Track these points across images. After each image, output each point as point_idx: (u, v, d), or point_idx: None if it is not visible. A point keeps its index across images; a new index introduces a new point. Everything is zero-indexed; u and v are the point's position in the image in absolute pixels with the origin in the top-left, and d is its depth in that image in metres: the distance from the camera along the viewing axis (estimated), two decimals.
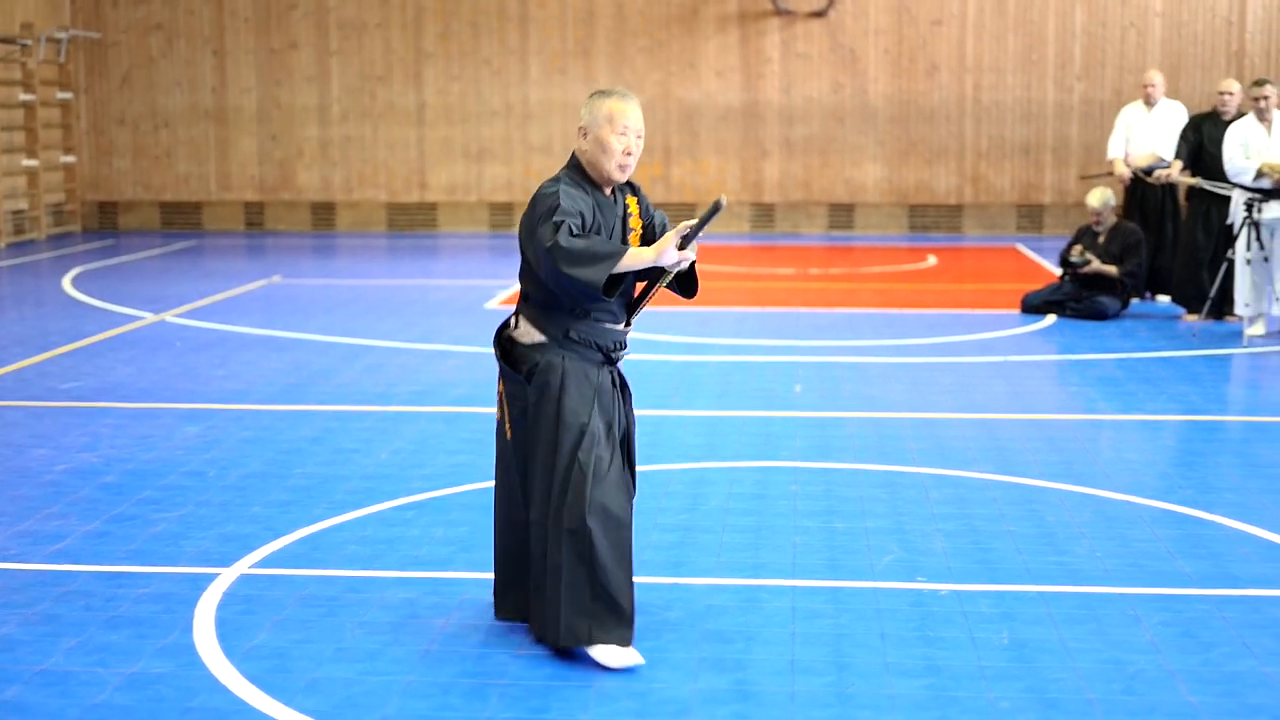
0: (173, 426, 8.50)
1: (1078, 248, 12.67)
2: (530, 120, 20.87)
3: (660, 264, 4.81)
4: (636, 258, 4.78)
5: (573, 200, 4.85)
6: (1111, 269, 12.48)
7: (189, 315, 12.84)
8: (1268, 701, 4.60)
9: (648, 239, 5.14)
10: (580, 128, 5.00)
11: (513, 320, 5.09)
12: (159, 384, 9.78)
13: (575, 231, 4.76)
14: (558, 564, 4.84)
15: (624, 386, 5.18)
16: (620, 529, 4.88)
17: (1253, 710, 4.53)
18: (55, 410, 8.97)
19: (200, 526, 6.49)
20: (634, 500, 5.10)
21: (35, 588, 5.67)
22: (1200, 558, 6.08)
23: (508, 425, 5.07)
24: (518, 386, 5.00)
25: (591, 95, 5.03)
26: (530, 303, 5.04)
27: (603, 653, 4.83)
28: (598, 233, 4.91)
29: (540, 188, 4.96)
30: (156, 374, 10.12)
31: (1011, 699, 4.61)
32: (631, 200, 5.12)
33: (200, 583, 5.72)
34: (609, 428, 4.97)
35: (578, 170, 5.00)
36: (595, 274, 4.70)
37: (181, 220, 21.48)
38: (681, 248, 4.81)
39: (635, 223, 5.09)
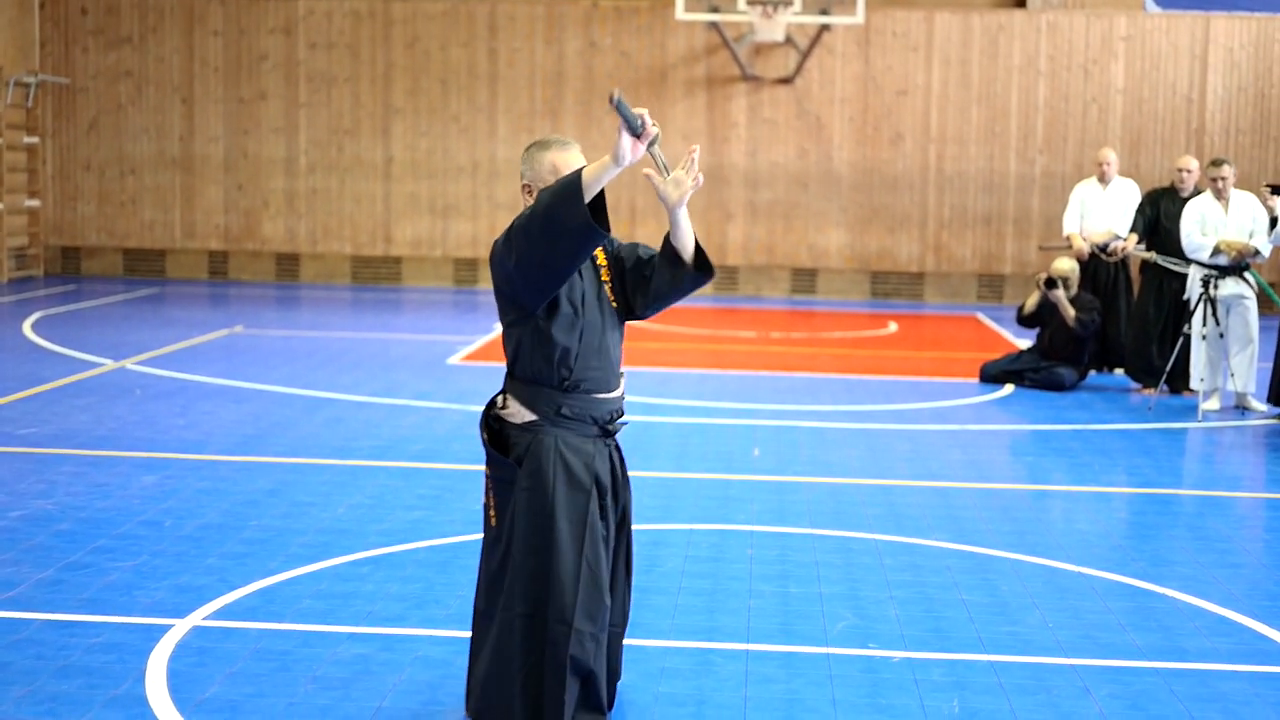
0: (129, 475, 8.47)
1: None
2: (497, 178, 20.95)
3: (622, 162, 4.31)
4: (598, 170, 4.32)
5: None
6: (1071, 310, 12.59)
7: (149, 363, 12.81)
8: None
9: (621, 276, 4.81)
10: (524, 185, 4.67)
11: (500, 399, 4.75)
12: (117, 432, 9.74)
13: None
14: (538, 666, 4.55)
15: (623, 464, 4.85)
16: (602, 631, 4.61)
17: None
18: (11, 456, 8.93)
19: (154, 577, 6.47)
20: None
21: None
22: (1151, 630, 6.13)
23: (492, 512, 4.70)
24: (506, 471, 4.64)
25: (529, 148, 4.71)
26: (517, 379, 4.70)
27: None
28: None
29: (495, 244, 4.66)
30: (115, 421, 10.09)
31: None
32: (599, 250, 4.78)
33: (153, 633, 5.70)
34: (605, 520, 4.70)
35: None
36: (572, 210, 4.31)
37: (145, 267, 21.44)
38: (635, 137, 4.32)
39: (604, 272, 4.79)
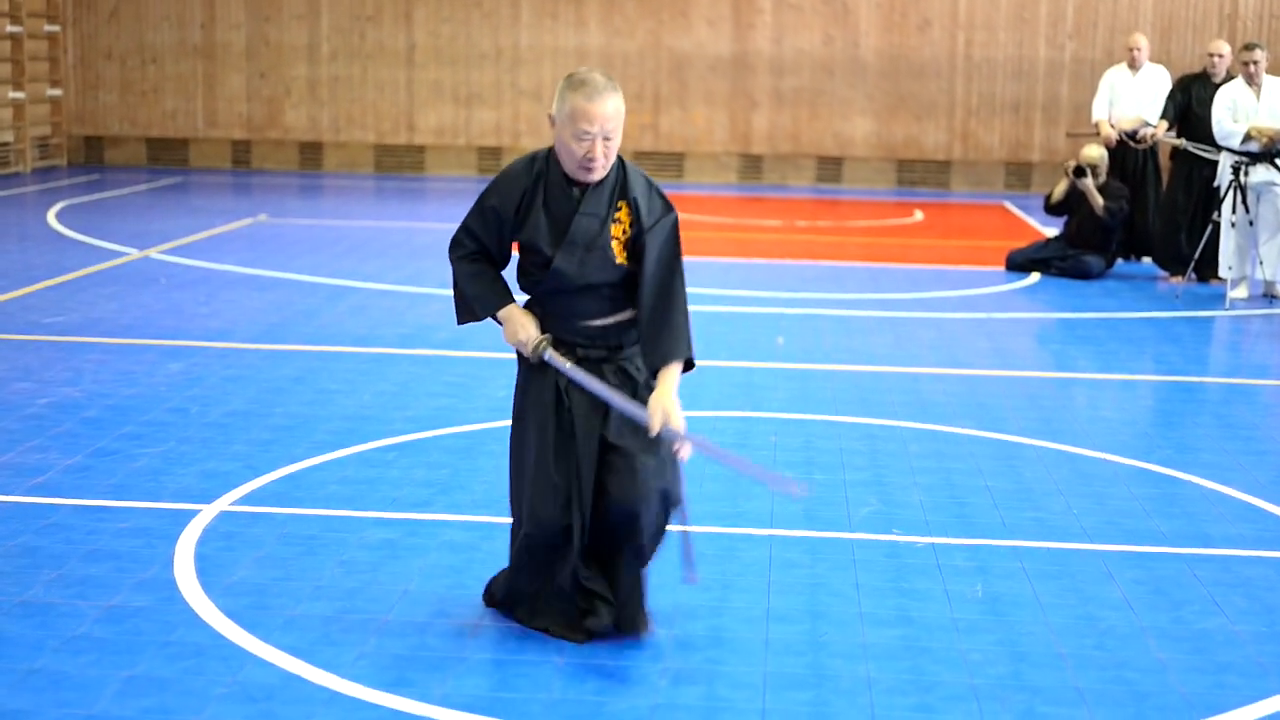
0: (156, 363, 8.50)
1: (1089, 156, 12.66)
2: (520, 65, 20.77)
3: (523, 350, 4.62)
4: (499, 317, 4.64)
5: (501, 198, 4.54)
6: (1099, 199, 12.48)
7: (174, 252, 12.81)
8: (1235, 659, 4.65)
9: (634, 252, 4.57)
10: (549, 115, 4.50)
11: None
12: (142, 320, 9.77)
13: (466, 253, 4.63)
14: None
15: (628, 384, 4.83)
16: (542, 532, 4.60)
17: (1220, 668, 4.59)
18: (38, 344, 8.96)
19: (181, 463, 6.51)
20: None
21: (15, 520, 5.68)
22: (1175, 517, 6.13)
23: None
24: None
25: (564, 80, 4.46)
26: None
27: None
28: (518, 229, 4.55)
29: (512, 162, 4.63)
30: (140, 310, 10.11)
31: (983, 651, 4.66)
32: (624, 208, 4.53)
33: (181, 519, 5.74)
34: (553, 420, 4.60)
35: (555, 154, 4.55)
36: (459, 308, 4.73)
37: (168, 156, 21.39)
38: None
39: (619, 230, 4.53)
